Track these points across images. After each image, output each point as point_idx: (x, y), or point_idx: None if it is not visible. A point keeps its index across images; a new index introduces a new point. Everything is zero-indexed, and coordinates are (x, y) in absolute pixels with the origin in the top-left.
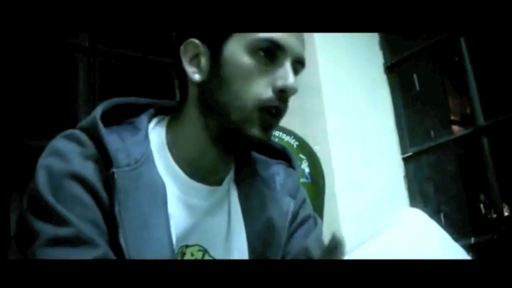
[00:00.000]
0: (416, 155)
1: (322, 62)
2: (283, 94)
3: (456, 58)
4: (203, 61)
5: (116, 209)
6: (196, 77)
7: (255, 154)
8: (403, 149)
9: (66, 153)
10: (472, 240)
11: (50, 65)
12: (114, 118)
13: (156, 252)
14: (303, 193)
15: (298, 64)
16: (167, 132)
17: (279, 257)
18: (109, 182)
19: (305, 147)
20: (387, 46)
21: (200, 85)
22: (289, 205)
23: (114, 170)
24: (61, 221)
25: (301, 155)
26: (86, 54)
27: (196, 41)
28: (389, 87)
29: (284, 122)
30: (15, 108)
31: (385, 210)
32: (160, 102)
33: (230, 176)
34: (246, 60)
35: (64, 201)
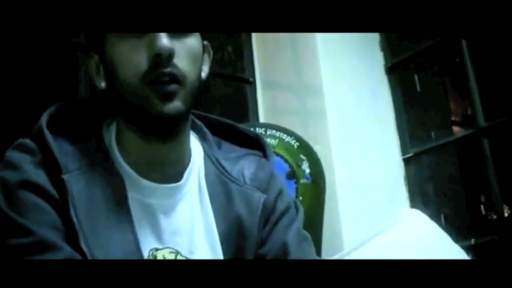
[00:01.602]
0: (416, 156)
1: (323, 63)
2: (158, 59)
3: (457, 59)
4: (101, 67)
5: (72, 213)
6: (102, 85)
7: (225, 146)
8: (404, 150)
9: (17, 163)
10: (472, 241)
11: (51, 64)
12: (70, 121)
13: (123, 251)
14: (278, 184)
15: None
16: (116, 138)
17: (253, 256)
18: (60, 187)
19: (305, 148)
20: (388, 47)
21: (107, 91)
22: (259, 200)
23: (63, 176)
24: (22, 231)
25: (301, 156)
26: (87, 53)
27: (92, 53)
28: (389, 87)
29: (284, 122)
30: (16, 107)
31: (386, 211)
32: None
33: (200, 173)
34: (119, 44)
35: (22, 210)
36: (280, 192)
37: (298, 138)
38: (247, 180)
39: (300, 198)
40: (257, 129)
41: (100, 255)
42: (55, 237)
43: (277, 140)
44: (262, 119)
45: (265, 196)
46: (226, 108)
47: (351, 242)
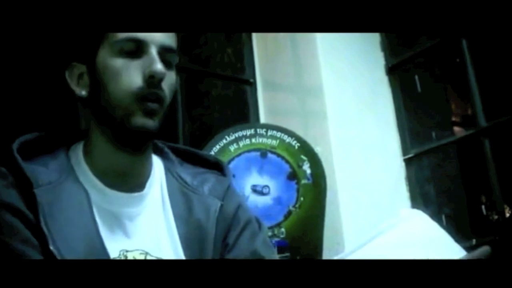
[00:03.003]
0: (417, 156)
1: (324, 64)
2: (152, 80)
3: (458, 59)
4: (85, 77)
5: (42, 222)
6: (83, 93)
7: (186, 165)
8: (405, 151)
9: None
10: (474, 241)
11: (51, 65)
12: (39, 148)
13: (91, 252)
14: (237, 197)
15: (168, 53)
16: (84, 150)
17: (211, 256)
18: (32, 201)
19: (306, 148)
20: (389, 48)
21: (88, 99)
22: (216, 205)
23: (34, 190)
24: None
25: (302, 156)
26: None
27: (76, 63)
28: (390, 88)
29: (285, 123)
30: (17, 109)
31: (387, 211)
32: (81, 129)
33: (162, 184)
34: (113, 60)
35: None
36: (240, 205)
37: (299, 139)
38: (206, 191)
39: (301, 198)
40: (257, 129)
41: (69, 256)
42: (24, 248)
43: (278, 141)
44: (262, 120)
45: (222, 202)
46: (226, 109)
47: (352, 242)
